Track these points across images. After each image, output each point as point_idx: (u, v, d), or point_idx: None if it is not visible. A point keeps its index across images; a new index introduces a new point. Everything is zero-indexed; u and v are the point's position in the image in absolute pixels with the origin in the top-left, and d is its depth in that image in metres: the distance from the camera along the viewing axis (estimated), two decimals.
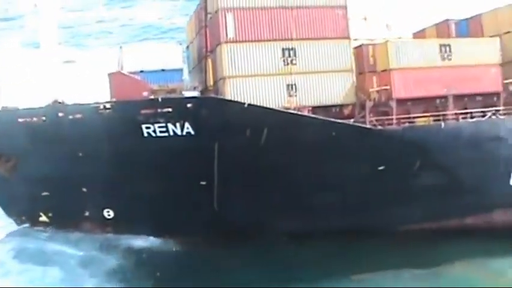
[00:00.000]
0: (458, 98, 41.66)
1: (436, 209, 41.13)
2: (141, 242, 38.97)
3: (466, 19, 47.59)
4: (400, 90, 39.97)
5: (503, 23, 43.97)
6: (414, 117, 40.39)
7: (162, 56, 40.23)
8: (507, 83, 42.74)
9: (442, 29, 48.96)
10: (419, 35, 50.24)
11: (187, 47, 49.12)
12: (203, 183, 37.74)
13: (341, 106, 39.98)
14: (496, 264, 37.88)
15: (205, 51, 41.07)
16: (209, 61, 41.10)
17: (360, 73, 42.34)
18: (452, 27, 48.33)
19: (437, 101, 41.34)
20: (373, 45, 42.15)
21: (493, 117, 41.94)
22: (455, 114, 41.00)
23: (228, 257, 37.10)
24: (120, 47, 41.85)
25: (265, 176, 37.05)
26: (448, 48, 41.60)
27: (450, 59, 41.44)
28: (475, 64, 42.27)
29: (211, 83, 40.86)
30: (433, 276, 35.95)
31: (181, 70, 40.98)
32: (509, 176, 42.52)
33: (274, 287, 33.01)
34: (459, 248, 39.46)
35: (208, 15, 40.11)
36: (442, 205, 41.05)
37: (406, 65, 40.38)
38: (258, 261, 37.12)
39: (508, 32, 43.86)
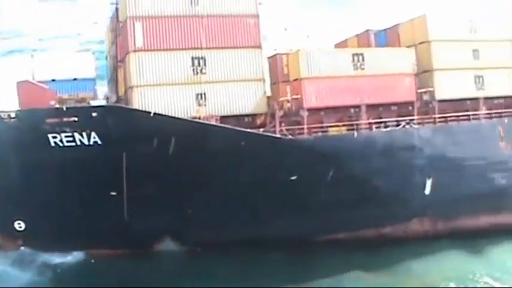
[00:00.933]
0: (373, 107, 43.43)
1: (352, 218, 42.41)
2: (55, 256, 39.27)
3: (385, 29, 49.78)
4: (311, 100, 41.44)
5: (418, 34, 46.10)
6: (327, 127, 41.84)
7: (74, 65, 40.96)
8: (421, 93, 44.48)
9: (362, 39, 51.28)
10: (341, 45, 52.44)
11: (106, 56, 49.61)
12: (113, 193, 38.29)
13: (254, 115, 41.15)
14: (416, 268, 40.47)
15: (116, 61, 41.76)
16: (121, 70, 41.99)
17: (274, 83, 43.97)
18: (372, 37, 50.38)
19: (352, 110, 42.95)
20: (287, 54, 43.33)
21: (407, 126, 43.24)
22: (369, 123, 42.38)
23: (142, 269, 38.06)
24: (32, 56, 42.18)
25: (175, 185, 37.94)
26: (360, 58, 43.44)
27: (363, 69, 43.34)
28: (389, 74, 44.16)
29: (123, 92, 41.50)
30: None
31: (93, 79, 41.66)
32: (425, 186, 43.94)
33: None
34: (379, 256, 41.53)
35: (120, 24, 40.84)
36: (358, 215, 42.38)
37: (317, 74, 41.97)
38: (176, 271, 38.28)
39: (423, 42, 45.67)
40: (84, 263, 39.21)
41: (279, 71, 44.08)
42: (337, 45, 52.58)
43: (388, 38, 49.32)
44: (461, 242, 44.47)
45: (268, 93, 43.55)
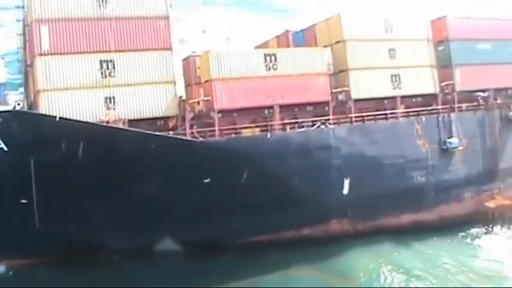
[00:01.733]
0: (288, 108, 45.00)
1: (271, 220, 43.77)
2: None
3: (303, 30, 51.66)
4: (222, 101, 42.78)
5: (333, 33, 48.11)
6: (239, 128, 43.21)
7: None
8: (336, 92, 46.45)
9: (282, 40, 53.17)
10: (262, 46, 54.03)
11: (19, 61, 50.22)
12: (24, 201, 38.77)
13: (166, 118, 42.03)
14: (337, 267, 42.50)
15: (26, 65, 42.57)
16: (30, 75, 42.64)
17: (188, 85, 45.34)
18: (290, 38, 52.26)
19: (265, 111, 44.30)
20: (199, 56, 44.67)
21: (322, 126, 45.06)
22: (283, 124, 43.98)
23: (66, 277, 38.72)
24: None
25: (87, 191, 38.70)
26: (273, 58, 44.87)
27: (276, 69, 44.78)
28: (303, 73, 45.87)
29: (33, 97, 42.16)
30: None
31: (3, 84, 41.84)
32: (343, 186, 45.88)
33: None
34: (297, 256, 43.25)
35: (27, 27, 41.64)
36: (276, 216, 43.70)
37: (228, 75, 43.16)
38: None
39: (338, 42, 47.75)
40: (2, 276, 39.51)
41: (192, 73, 45.61)
42: (257, 47, 53.76)
43: (305, 38, 51.16)
44: (384, 237, 46.88)
45: (184, 96, 44.39)
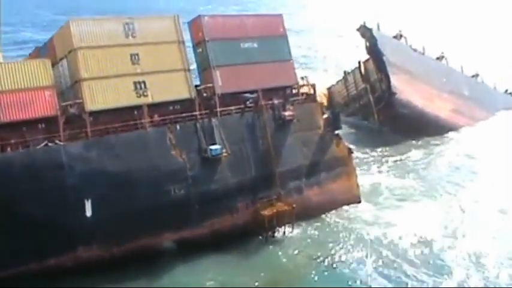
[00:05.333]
0: (13, 126, 42.78)
1: (13, 251, 41.14)
2: None
3: (45, 43, 49.18)
4: None
5: (66, 43, 45.71)
6: None
7: None
8: (66, 106, 43.67)
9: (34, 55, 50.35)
10: None
11: None
12: None
13: None
14: None
15: None
16: None
17: None
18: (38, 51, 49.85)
19: None
20: None
21: (51, 144, 42.10)
22: (2, 145, 41.07)
23: None
24: None
25: None
26: None
27: None
28: (24, 88, 43.31)
29: None
30: None
31: None
32: (85, 207, 42.83)
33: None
34: None
35: None
36: (12, 247, 40.92)
37: None
38: None
39: (71, 51, 45.37)
40: None
41: None
42: None
43: (48, 49, 48.52)
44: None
45: None
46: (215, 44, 51.36)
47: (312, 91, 56.91)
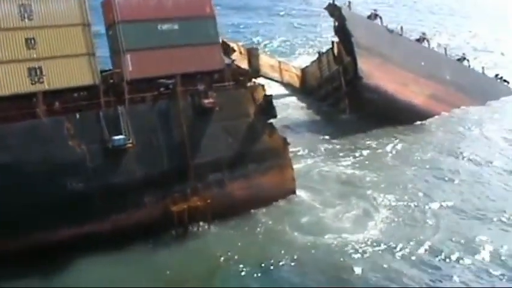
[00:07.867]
0: None
1: None
2: None
3: None
4: None
5: None
6: None
7: None
8: None
9: None
10: None
11: None
12: None
13: None
14: None
15: None
16: None
17: None
18: None
19: None
20: None
21: None
22: None
23: None
24: None
25: None
26: None
27: None
28: None
29: None
30: None
31: None
32: None
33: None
34: None
35: None
36: None
37: None
38: None
39: None
40: None
41: None
42: None
43: None
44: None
45: None
46: (127, 25, 49.22)
47: (241, 77, 52.82)
